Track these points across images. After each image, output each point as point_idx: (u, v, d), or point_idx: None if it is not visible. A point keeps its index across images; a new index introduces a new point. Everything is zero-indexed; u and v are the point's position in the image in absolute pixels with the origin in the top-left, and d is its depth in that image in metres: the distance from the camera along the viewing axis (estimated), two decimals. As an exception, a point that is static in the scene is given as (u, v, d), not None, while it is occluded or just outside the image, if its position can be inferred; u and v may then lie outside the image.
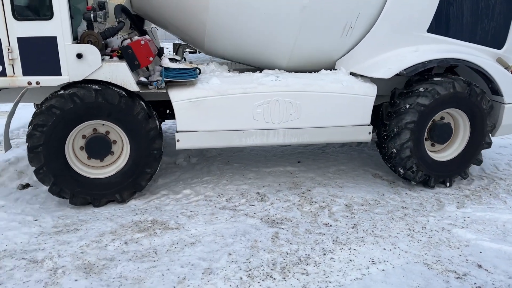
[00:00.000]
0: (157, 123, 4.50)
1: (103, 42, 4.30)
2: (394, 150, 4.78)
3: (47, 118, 4.13)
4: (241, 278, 3.30)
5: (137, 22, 5.21)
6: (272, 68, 5.03)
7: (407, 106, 4.68)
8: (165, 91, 4.40)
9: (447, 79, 4.75)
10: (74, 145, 4.41)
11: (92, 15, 4.16)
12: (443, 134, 4.99)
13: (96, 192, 4.44)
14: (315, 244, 3.80)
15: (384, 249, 3.73)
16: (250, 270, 3.40)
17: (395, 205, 4.61)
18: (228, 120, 4.51)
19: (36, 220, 4.18)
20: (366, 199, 4.71)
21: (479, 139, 5.02)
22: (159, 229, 4.03)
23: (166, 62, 4.46)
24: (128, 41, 4.49)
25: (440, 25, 4.86)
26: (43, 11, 3.97)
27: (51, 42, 4.01)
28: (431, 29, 4.86)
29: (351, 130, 4.76)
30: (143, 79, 4.41)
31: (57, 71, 4.10)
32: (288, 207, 4.52)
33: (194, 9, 4.63)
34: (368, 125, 4.80)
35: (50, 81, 4.14)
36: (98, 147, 4.41)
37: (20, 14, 3.95)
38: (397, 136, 4.73)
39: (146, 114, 4.36)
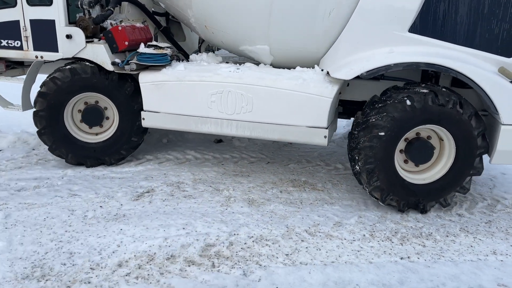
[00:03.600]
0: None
1: (92, 26, 4.86)
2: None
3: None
4: (364, 235, 3.95)
5: (148, 12, 5.61)
6: (264, 63, 5.00)
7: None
8: (137, 72, 4.84)
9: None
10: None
11: (79, 3, 4.81)
12: (417, 153, 4.29)
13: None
14: (441, 226, 4.15)
15: (512, 246, 3.84)
16: (374, 231, 4.02)
17: (547, 215, 4.47)
18: (185, 105, 4.74)
19: (222, 164, 5.60)
20: (514, 204, 4.69)
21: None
22: (309, 188, 4.95)
23: (141, 48, 4.82)
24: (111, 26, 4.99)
25: (427, 24, 4.16)
26: None
27: (51, 24, 4.84)
28: (415, 29, 4.17)
29: (305, 131, 4.49)
30: (117, 60, 4.84)
31: (55, 48, 4.92)
32: (427, 194, 4.88)
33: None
34: (325, 128, 4.45)
35: (50, 56, 4.98)
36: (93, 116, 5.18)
37: (31, 0, 4.83)
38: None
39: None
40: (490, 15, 4.05)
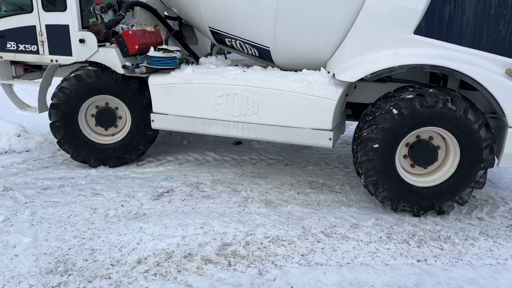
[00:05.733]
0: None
1: (104, 31, 4.99)
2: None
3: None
4: (380, 237, 3.94)
5: (160, 16, 5.69)
6: (272, 65, 5.07)
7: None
8: (147, 75, 4.96)
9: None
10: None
11: (91, 8, 4.93)
12: (420, 156, 4.23)
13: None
14: (460, 230, 4.09)
15: (535, 251, 3.76)
16: (391, 234, 4.00)
17: None
18: (193, 107, 4.81)
19: (241, 165, 5.66)
20: (538, 208, 4.58)
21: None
22: (326, 190, 4.96)
23: (151, 51, 4.91)
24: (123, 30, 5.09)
25: (432, 26, 4.10)
26: (60, 5, 4.97)
27: (65, 29, 5.01)
28: (420, 31, 4.12)
29: (310, 133, 4.47)
30: (127, 63, 4.96)
31: (69, 52, 5.08)
32: (447, 197, 4.82)
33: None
34: (330, 130, 4.43)
35: (64, 60, 5.14)
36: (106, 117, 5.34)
37: (47, 6, 5.01)
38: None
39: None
40: (497, 16, 3.97)
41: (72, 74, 5.12)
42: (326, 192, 4.88)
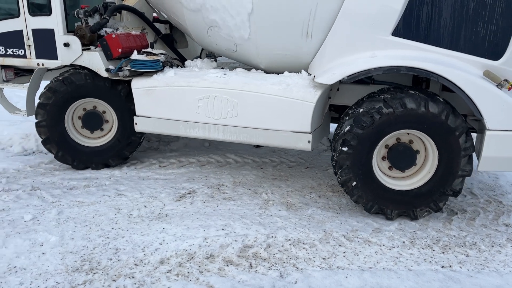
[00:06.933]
0: None
1: (89, 34, 5.01)
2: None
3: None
4: (403, 242, 3.88)
5: (147, 20, 5.71)
6: (256, 68, 5.00)
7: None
8: (130, 78, 4.98)
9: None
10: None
11: (75, 13, 4.98)
12: (397, 159, 4.19)
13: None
14: (486, 236, 4.00)
15: None
16: (414, 239, 3.94)
17: None
18: (175, 110, 4.80)
19: (261, 168, 5.67)
20: None
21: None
22: (348, 193, 4.92)
23: (134, 55, 4.92)
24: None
25: (410, 27, 4.01)
26: (45, 9, 4.99)
27: (51, 33, 5.03)
28: (398, 32, 4.03)
29: (289, 136, 4.44)
30: (111, 67, 4.98)
31: (55, 56, 5.11)
32: (472, 203, 4.71)
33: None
34: (309, 132, 4.38)
35: (50, 63, 5.17)
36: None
37: (33, 11, 5.05)
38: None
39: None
40: (475, 17, 3.89)
41: (61, 76, 5.17)
42: (348, 196, 4.84)
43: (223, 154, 6.09)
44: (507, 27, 3.85)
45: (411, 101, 3.92)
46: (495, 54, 3.91)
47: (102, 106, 5.37)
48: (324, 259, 3.57)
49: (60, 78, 5.17)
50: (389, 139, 4.19)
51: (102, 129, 5.45)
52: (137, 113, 5.05)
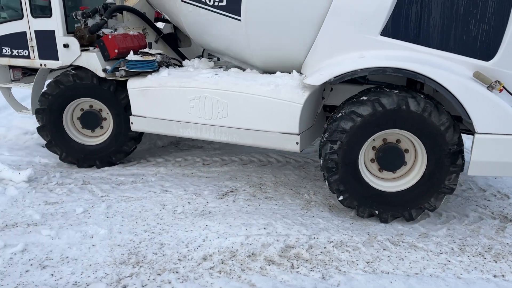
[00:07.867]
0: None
1: (88, 35, 5.08)
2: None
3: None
4: (452, 249, 3.73)
5: (148, 20, 5.73)
6: (253, 68, 4.92)
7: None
8: (126, 79, 5.00)
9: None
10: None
11: (73, 14, 5.03)
12: (385, 160, 4.08)
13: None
14: (544, 246, 3.77)
15: None
16: (464, 246, 3.78)
17: None
18: (168, 110, 4.81)
19: (303, 168, 5.64)
20: None
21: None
22: (393, 196, 4.78)
23: (129, 55, 4.94)
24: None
25: (399, 27, 3.86)
26: (46, 11, 5.07)
27: (52, 34, 5.12)
28: (387, 32, 3.88)
29: (277, 137, 4.36)
30: (107, 67, 5.01)
31: (56, 57, 5.19)
32: (528, 210, 4.46)
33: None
34: (297, 134, 4.27)
35: (52, 64, 5.26)
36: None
37: (35, 13, 5.14)
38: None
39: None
40: (466, 16, 3.72)
41: (53, 80, 5.30)
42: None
43: (265, 154, 6.10)
44: (499, 26, 3.66)
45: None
46: (487, 54, 3.74)
47: (97, 104, 5.46)
48: (367, 262, 3.50)
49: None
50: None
51: (102, 127, 5.59)
52: (132, 113, 5.14)
